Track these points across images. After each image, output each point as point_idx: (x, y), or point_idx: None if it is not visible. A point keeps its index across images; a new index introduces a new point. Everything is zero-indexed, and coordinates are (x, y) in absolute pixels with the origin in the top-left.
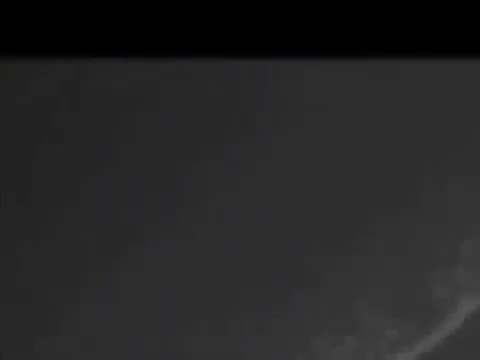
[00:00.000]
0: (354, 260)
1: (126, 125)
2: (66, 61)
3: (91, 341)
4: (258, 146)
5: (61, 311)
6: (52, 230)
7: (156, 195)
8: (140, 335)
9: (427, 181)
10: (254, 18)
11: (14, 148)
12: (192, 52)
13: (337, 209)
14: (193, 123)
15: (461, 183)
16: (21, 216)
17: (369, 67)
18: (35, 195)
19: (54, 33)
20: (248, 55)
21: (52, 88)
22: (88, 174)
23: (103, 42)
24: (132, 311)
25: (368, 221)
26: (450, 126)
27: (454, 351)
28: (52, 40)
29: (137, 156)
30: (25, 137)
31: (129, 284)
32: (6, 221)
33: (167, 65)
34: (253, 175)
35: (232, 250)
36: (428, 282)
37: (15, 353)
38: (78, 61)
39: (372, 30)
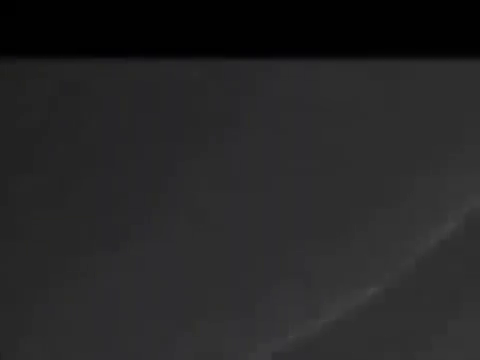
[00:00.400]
0: (354, 260)
1: (126, 125)
2: (66, 61)
3: (80, 341)
4: (258, 146)
5: (49, 311)
6: (51, 229)
7: (156, 195)
8: (129, 335)
9: (427, 181)
10: (254, 18)
11: (14, 148)
12: (192, 52)
13: (337, 209)
14: (193, 123)
15: (461, 183)
16: (21, 215)
17: (369, 67)
18: (35, 195)
19: (54, 33)
20: (248, 55)
21: (52, 88)
22: (88, 174)
23: (103, 42)
24: (123, 311)
25: (368, 221)
26: (450, 126)
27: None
28: (52, 40)
29: (137, 156)
30: (25, 137)
31: (121, 283)
32: (2, 220)
33: (167, 65)
34: (253, 175)
35: (232, 250)
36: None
37: (5, 353)
38: (78, 61)
39: (372, 30)
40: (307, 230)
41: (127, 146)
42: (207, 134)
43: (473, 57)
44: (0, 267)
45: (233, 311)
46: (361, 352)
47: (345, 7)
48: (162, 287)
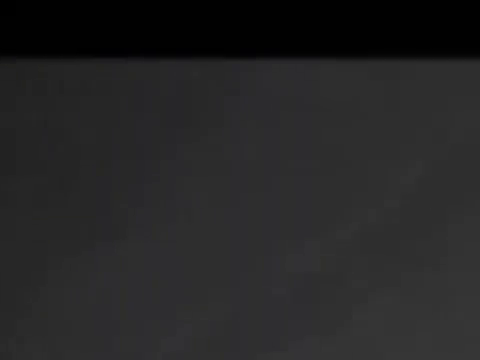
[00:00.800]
0: (354, 260)
1: (126, 125)
2: (66, 61)
3: (76, 340)
4: (258, 146)
5: (42, 310)
6: (47, 229)
7: (157, 194)
8: (123, 334)
9: (427, 181)
10: (254, 18)
11: (14, 148)
12: (192, 52)
13: (337, 209)
14: (193, 123)
15: (461, 182)
16: (18, 215)
17: (369, 67)
18: (33, 195)
19: (54, 33)
20: (248, 55)
21: (52, 89)
22: (88, 174)
23: (103, 42)
24: (118, 310)
25: (368, 221)
26: (450, 126)
27: None
28: (52, 40)
29: (137, 156)
30: (25, 137)
31: (116, 283)
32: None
33: (167, 65)
34: (253, 175)
35: (232, 249)
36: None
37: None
38: (78, 61)
39: (372, 30)
40: (307, 229)
41: (127, 146)
42: (207, 134)
43: (473, 57)
44: None
45: (232, 311)
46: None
47: (345, 7)
48: (158, 287)
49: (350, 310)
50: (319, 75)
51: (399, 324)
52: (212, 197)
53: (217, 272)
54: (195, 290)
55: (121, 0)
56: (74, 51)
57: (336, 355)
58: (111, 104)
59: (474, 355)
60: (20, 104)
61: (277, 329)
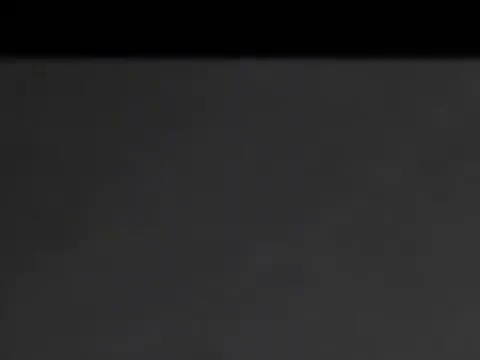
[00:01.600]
0: (354, 259)
1: (126, 124)
2: (66, 61)
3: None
4: (258, 146)
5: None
6: (50, 225)
7: (156, 193)
8: (81, 334)
9: (427, 181)
10: (254, 18)
11: (15, 148)
12: (192, 52)
13: (336, 208)
14: (193, 123)
15: (462, 183)
16: (20, 217)
17: (369, 67)
18: (33, 195)
19: (54, 33)
20: (248, 55)
21: (53, 88)
22: (88, 173)
23: (103, 42)
24: (76, 311)
25: (367, 220)
26: (450, 126)
27: None
28: (52, 40)
29: (137, 156)
30: (26, 137)
31: (76, 283)
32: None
33: (167, 65)
34: (253, 175)
35: (232, 249)
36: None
37: None
38: (78, 61)
39: (372, 30)
40: (307, 229)
41: (127, 145)
42: (207, 134)
43: (473, 57)
44: None
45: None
46: None
47: (345, 7)
48: (156, 285)
49: (350, 309)
50: (319, 75)
51: (396, 324)
52: (212, 197)
53: (215, 272)
54: (191, 288)
55: (121, 0)
56: (74, 51)
57: (336, 354)
58: (111, 104)
59: (474, 355)
60: (20, 104)
61: (276, 328)
